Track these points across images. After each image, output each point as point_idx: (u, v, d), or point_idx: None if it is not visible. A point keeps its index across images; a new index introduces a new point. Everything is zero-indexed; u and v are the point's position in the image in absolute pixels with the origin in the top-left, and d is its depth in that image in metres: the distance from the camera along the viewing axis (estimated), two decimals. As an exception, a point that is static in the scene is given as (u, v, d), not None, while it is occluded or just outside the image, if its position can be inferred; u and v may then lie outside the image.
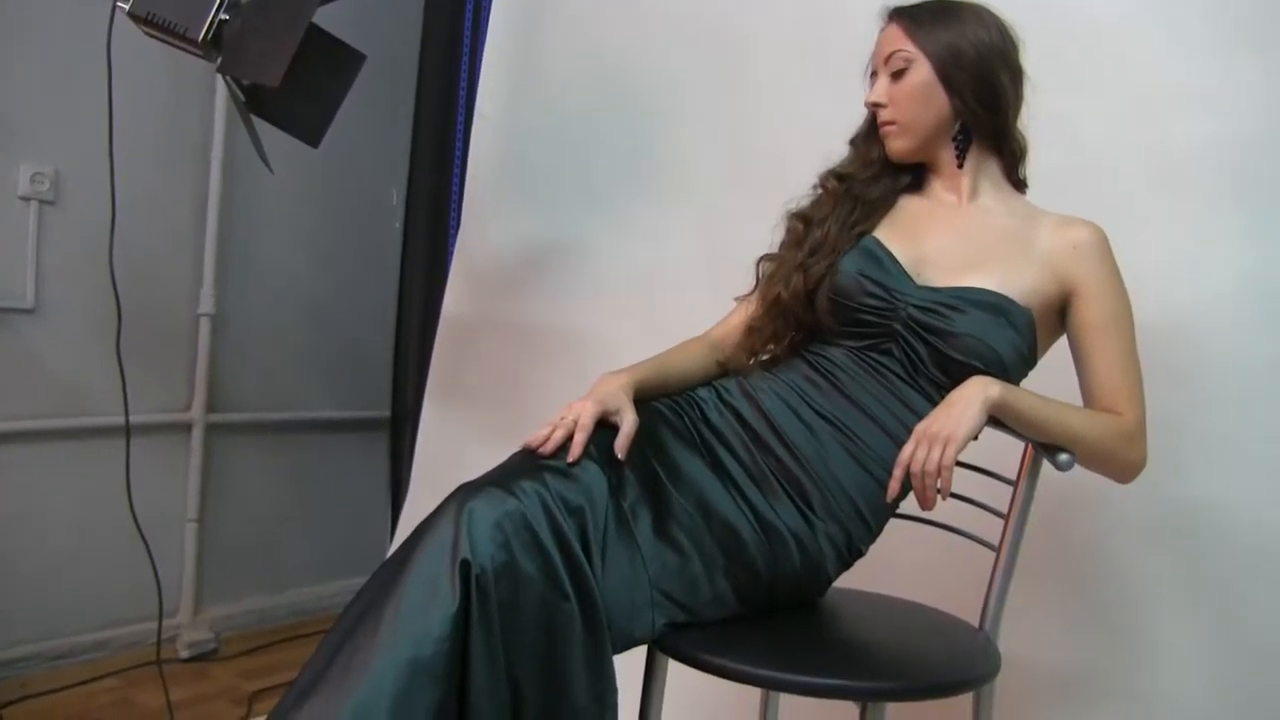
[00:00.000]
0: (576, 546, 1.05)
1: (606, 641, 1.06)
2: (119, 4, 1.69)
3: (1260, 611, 1.43)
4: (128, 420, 2.03)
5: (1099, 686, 1.55)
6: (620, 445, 1.17)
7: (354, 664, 0.98)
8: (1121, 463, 1.20)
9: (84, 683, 2.13)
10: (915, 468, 1.10)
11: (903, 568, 1.46)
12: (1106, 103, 1.59)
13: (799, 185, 1.39)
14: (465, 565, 0.99)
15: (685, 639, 1.12)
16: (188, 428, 2.42)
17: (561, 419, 1.17)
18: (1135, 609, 1.54)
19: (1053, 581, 1.57)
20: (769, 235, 1.39)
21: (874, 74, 1.32)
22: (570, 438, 1.15)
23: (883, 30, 1.32)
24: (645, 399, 1.27)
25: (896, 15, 1.30)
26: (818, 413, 1.24)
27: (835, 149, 1.39)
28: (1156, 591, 1.52)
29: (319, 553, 2.73)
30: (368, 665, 0.97)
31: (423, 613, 0.98)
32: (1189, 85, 1.52)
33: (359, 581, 1.13)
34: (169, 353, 2.40)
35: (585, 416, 1.17)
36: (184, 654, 2.35)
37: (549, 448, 1.14)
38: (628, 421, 1.19)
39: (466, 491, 1.05)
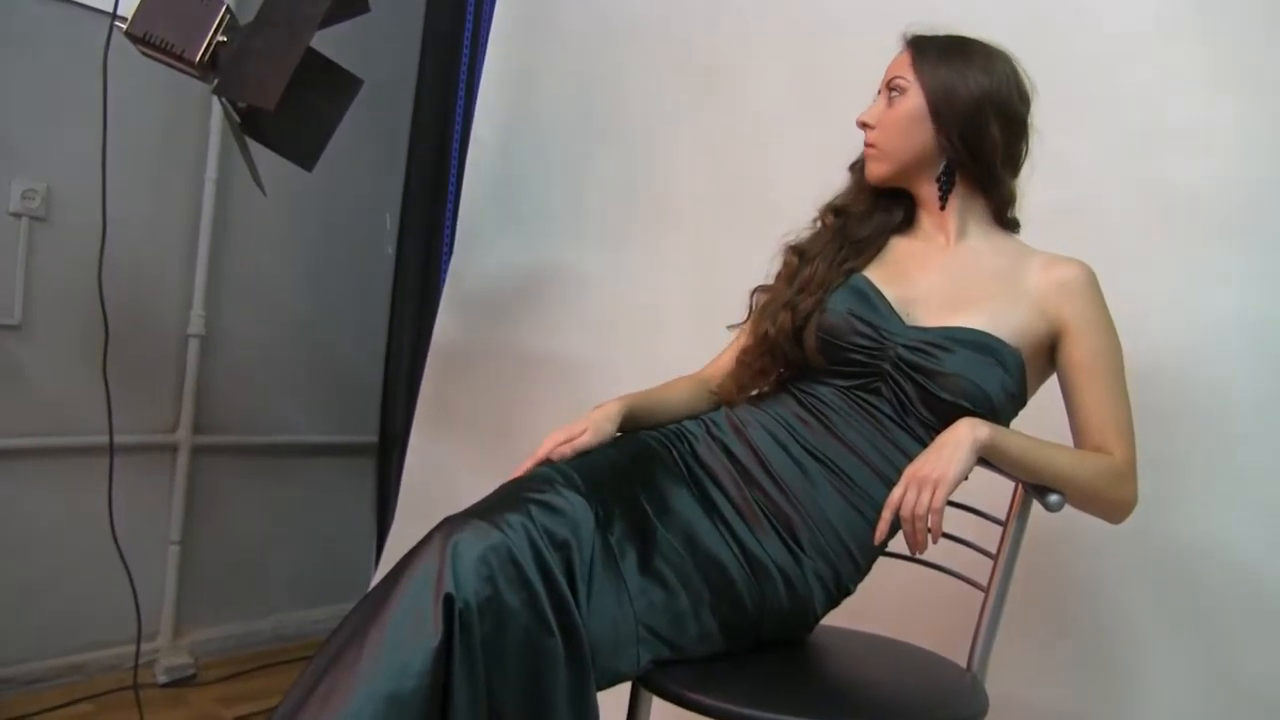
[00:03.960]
0: (562, 581, 1.04)
1: (590, 677, 1.05)
2: (117, 24, 1.69)
3: (1251, 650, 1.43)
4: (112, 440, 2.01)
5: (1087, 729, 1.54)
6: (566, 449, 1.22)
7: (333, 696, 0.96)
8: (1112, 502, 1.20)
9: (58, 707, 2.09)
10: (905, 511, 1.09)
11: (891, 607, 1.45)
12: (1101, 140, 1.60)
13: (789, 212, 1.39)
14: (449, 600, 0.98)
15: (670, 676, 1.11)
16: (173, 449, 2.40)
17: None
18: (1125, 649, 1.53)
19: (1042, 621, 1.56)
20: (759, 262, 1.39)
21: (880, 93, 1.32)
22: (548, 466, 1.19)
23: (898, 55, 1.31)
24: (635, 427, 1.28)
25: (910, 43, 1.31)
26: (808, 450, 1.23)
27: (825, 177, 1.39)
28: (1147, 631, 1.51)
29: (302, 578, 2.70)
30: (346, 699, 0.95)
31: (404, 647, 0.97)
32: (1185, 124, 1.53)
33: (342, 608, 1.12)
34: (156, 373, 2.38)
35: (573, 432, 1.22)
36: (161, 679, 2.32)
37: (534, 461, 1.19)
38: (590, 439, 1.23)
39: (451, 524, 1.04)
